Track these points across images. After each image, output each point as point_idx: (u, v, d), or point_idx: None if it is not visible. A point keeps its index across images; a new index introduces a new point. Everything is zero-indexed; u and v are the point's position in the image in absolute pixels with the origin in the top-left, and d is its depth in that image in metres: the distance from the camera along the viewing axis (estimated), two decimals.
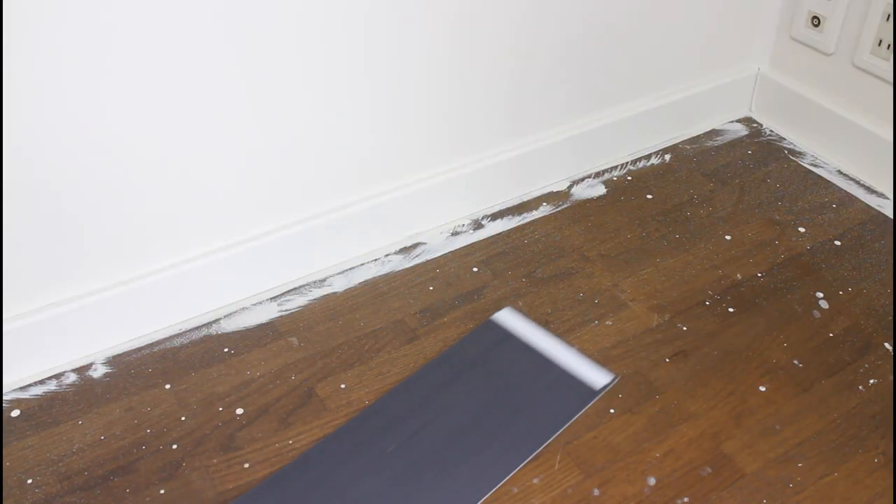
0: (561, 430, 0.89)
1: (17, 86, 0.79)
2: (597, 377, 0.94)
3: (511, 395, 0.92)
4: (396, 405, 0.92)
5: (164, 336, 1.02)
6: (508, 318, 1.01)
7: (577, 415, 0.90)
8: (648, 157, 1.33)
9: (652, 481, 0.85)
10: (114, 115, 0.86)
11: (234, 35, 0.89)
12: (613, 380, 0.95)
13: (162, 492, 0.85)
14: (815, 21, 1.28)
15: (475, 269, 1.12)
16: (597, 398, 0.92)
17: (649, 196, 1.25)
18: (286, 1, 0.90)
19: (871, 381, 0.96)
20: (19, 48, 0.78)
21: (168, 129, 0.91)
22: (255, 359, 0.99)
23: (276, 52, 0.92)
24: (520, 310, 1.03)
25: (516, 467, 0.85)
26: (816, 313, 1.05)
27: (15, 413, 0.93)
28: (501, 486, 0.85)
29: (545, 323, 1.03)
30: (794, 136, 1.37)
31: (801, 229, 1.18)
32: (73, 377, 0.97)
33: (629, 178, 1.29)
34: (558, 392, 0.92)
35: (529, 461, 0.87)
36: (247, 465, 0.87)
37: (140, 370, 0.98)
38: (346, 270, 1.12)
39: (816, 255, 1.14)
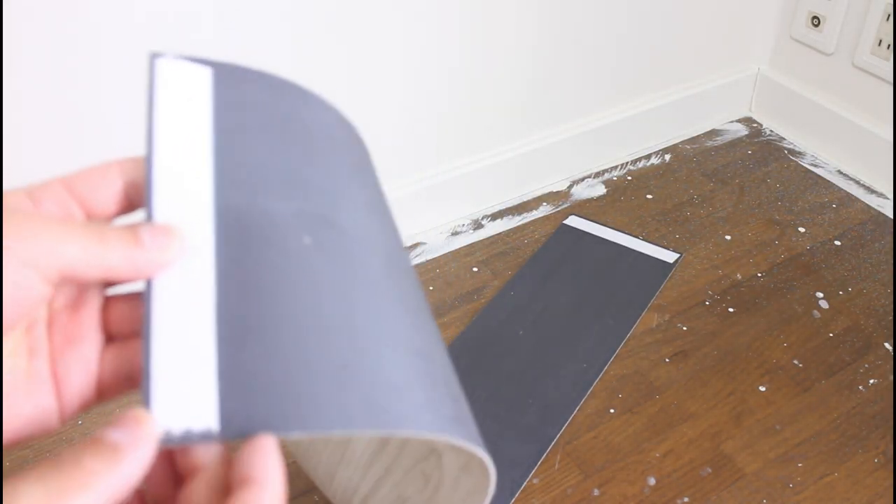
0: (655, 296, 1.07)
1: None
2: (666, 255, 1.12)
3: (603, 277, 1.09)
4: (508, 303, 1.06)
5: None
6: (577, 222, 1.19)
7: (662, 285, 1.08)
8: (648, 157, 1.33)
9: (652, 481, 0.85)
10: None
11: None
12: (681, 256, 1.12)
13: None
14: (815, 21, 1.28)
15: (475, 269, 1.12)
16: (673, 269, 1.10)
17: (649, 196, 1.25)
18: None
19: (871, 381, 0.96)
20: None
21: None
22: None
23: (265, 54, 0.92)
24: (583, 216, 1.20)
25: (631, 328, 1.02)
26: (816, 313, 1.05)
27: None
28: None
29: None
30: (794, 136, 1.37)
31: (801, 229, 1.18)
32: None
33: (629, 178, 1.29)
34: (641, 270, 1.11)
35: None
36: None
37: None
38: None
39: (816, 255, 1.14)
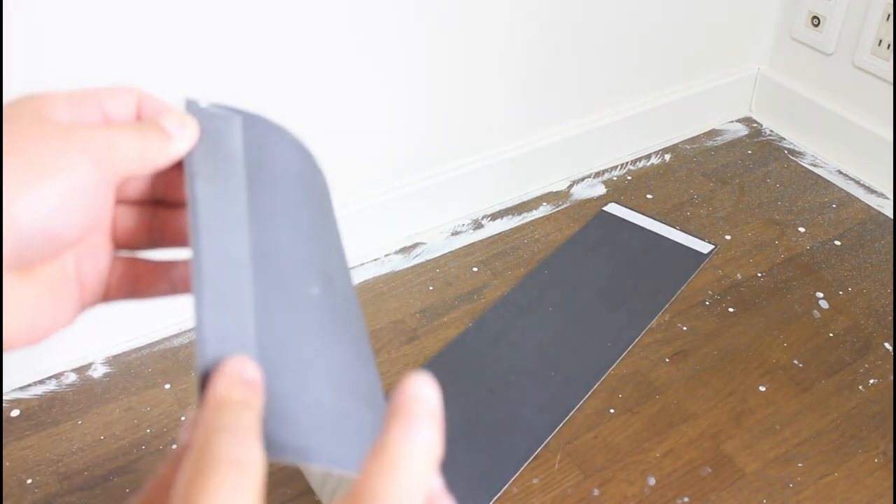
0: (685, 285, 1.08)
1: None
2: (701, 246, 1.14)
3: (636, 264, 1.11)
4: (542, 281, 1.09)
5: (163, 336, 1.02)
6: (616, 209, 1.20)
7: (694, 274, 1.10)
8: (648, 157, 1.33)
9: (652, 481, 0.85)
10: None
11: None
12: (715, 248, 1.13)
13: None
14: (815, 21, 1.28)
15: (475, 269, 1.12)
16: (706, 260, 1.12)
17: (649, 196, 1.25)
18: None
19: (871, 381, 0.96)
20: None
21: None
22: None
23: (265, 59, 0.92)
24: (623, 204, 1.22)
25: (659, 311, 1.04)
26: (816, 313, 1.05)
27: (15, 413, 0.93)
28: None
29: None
30: (794, 136, 1.37)
31: (801, 229, 1.18)
32: (72, 377, 0.97)
33: (629, 178, 1.29)
34: (674, 258, 1.13)
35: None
36: None
37: (140, 370, 0.98)
38: None
39: (816, 255, 1.14)
